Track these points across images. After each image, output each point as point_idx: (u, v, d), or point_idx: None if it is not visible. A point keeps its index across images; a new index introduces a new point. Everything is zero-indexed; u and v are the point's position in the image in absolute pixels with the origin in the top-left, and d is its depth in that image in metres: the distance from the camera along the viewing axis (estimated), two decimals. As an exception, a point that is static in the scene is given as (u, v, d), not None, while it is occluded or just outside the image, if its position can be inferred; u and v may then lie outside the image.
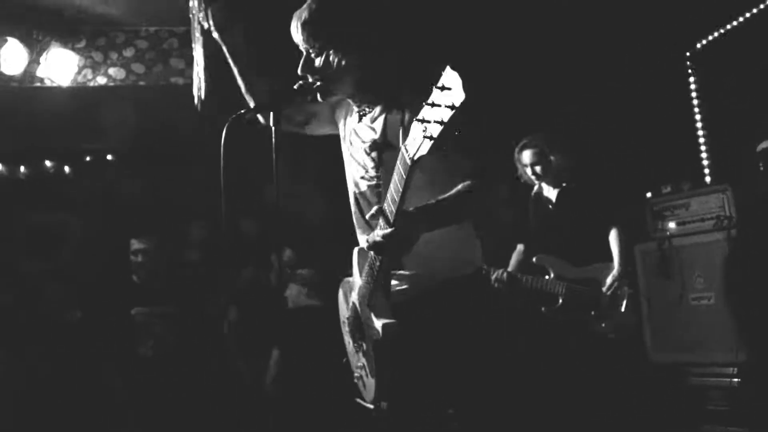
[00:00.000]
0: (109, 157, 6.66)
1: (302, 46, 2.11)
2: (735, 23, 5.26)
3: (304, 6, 2.10)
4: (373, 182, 2.15)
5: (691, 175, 5.53)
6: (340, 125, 2.38)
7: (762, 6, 4.94)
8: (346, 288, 2.34)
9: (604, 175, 4.52)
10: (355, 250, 2.15)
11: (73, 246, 6.80)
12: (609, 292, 4.08)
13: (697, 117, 5.65)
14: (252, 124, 2.19)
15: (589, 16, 4.78)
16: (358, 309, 2.14)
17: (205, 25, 3.31)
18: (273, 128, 1.78)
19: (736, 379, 4.57)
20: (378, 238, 1.82)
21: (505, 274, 4.27)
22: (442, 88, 1.47)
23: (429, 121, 1.50)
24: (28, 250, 6.42)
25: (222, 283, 5.33)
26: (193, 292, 4.84)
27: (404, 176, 1.67)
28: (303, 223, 6.61)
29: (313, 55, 2.09)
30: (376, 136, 2.12)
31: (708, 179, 5.57)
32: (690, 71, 5.67)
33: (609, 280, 4.11)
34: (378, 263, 1.94)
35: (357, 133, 2.23)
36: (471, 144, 1.94)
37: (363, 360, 2.17)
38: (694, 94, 5.60)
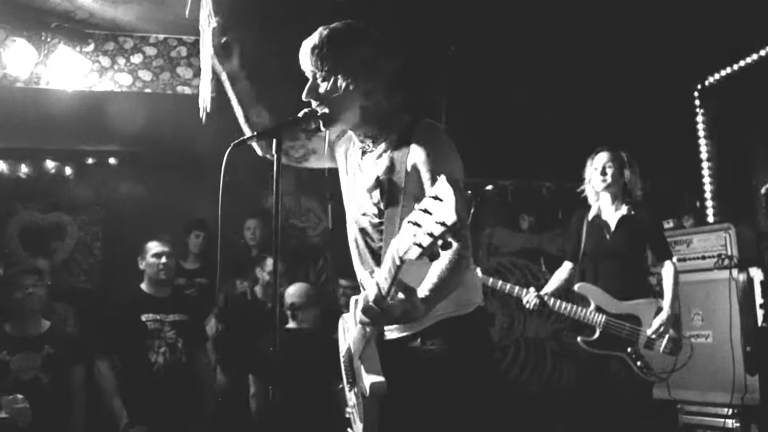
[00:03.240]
0: (111, 160, 6.65)
1: (309, 71, 2.09)
2: (745, 62, 5.26)
3: (315, 32, 2.08)
4: (375, 220, 2.13)
5: (693, 210, 5.52)
6: (340, 160, 2.36)
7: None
8: (344, 325, 2.32)
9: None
10: (352, 299, 2.10)
11: (67, 247, 6.78)
12: (654, 336, 3.95)
13: (703, 153, 5.63)
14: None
15: (598, 43, 4.78)
16: (352, 354, 2.13)
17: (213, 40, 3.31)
18: (275, 156, 1.74)
19: (731, 420, 4.52)
20: (371, 310, 1.81)
21: (536, 298, 4.17)
22: (435, 198, 1.49)
23: (420, 226, 1.51)
24: (24, 247, 6.41)
25: (217, 295, 5.30)
26: (193, 302, 4.80)
27: (393, 272, 1.70)
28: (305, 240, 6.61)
29: (319, 80, 2.07)
30: (381, 174, 2.10)
31: (710, 217, 5.54)
32: (698, 107, 5.66)
33: (656, 323, 3.95)
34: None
35: (361, 168, 2.21)
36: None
37: (354, 400, 2.16)
38: (701, 130, 5.59)
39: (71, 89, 4.58)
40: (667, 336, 3.96)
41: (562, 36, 4.61)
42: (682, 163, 5.55)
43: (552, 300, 4.18)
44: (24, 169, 6.59)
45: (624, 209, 4.14)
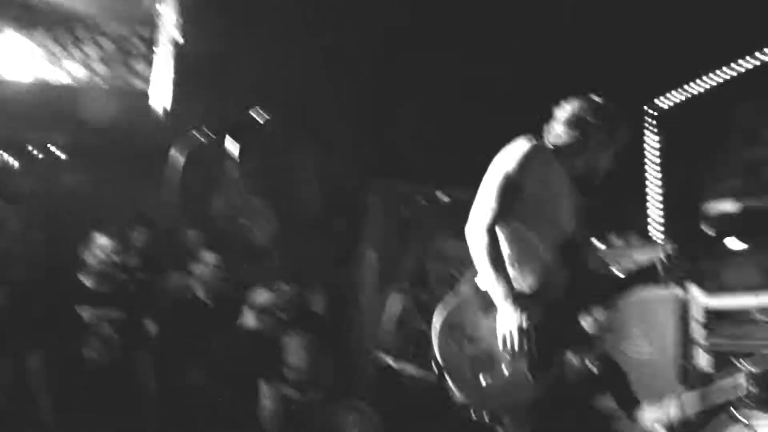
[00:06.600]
0: (58, 151, 6.50)
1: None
2: (696, 85, 5.41)
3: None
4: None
5: (638, 227, 5.64)
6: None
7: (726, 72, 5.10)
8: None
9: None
10: None
11: (6, 236, 6.57)
12: None
13: (650, 171, 5.77)
14: None
15: (546, 62, 4.87)
16: None
17: (179, 39, 3.26)
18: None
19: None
20: None
21: None
22: None
23: None
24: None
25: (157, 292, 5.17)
26: (132, 299, 4.68)
27: None
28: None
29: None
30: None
31: (656, 234, 5.68)
32: (648, 128, 5.80)
33: None
34: None
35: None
36: None
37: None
38: (648, 153, 5.73)
39: (21, 78, 4.44)
40: None
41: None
42: (630, 181, 5.68)
43: None
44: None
45: None
